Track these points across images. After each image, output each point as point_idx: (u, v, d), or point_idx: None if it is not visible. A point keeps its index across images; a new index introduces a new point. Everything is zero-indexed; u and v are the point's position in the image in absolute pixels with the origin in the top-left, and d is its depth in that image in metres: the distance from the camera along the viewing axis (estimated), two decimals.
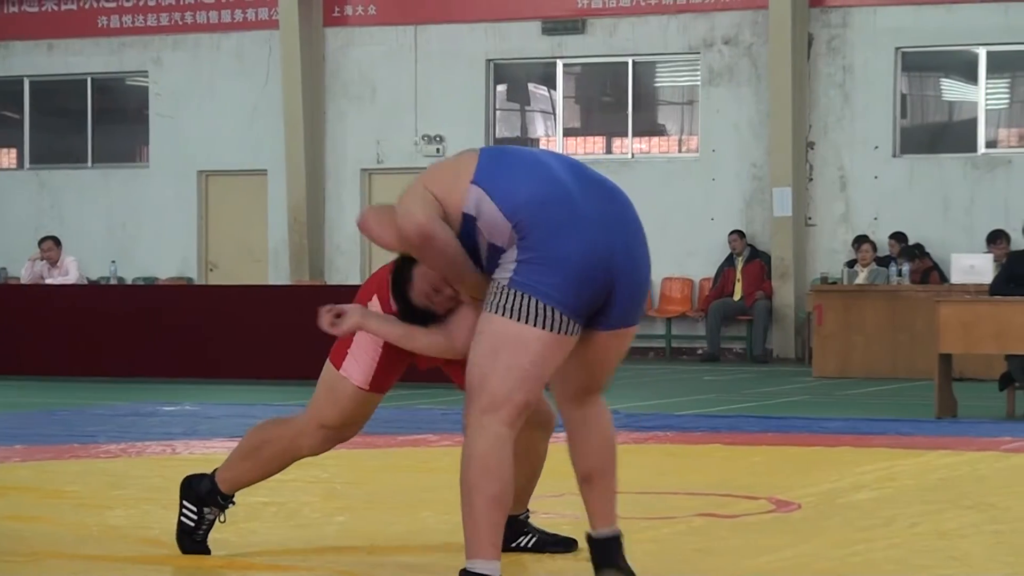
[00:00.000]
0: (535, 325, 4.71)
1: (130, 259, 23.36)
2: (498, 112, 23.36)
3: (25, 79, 24.74)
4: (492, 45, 22.91)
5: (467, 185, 4.81)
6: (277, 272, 23.43)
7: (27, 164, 24.82)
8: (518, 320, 4.71)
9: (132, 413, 12.49)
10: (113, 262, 21.39)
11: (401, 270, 5.38)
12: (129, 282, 22.56)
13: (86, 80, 24.51)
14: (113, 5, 24.11)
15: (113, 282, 20.82)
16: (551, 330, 4.73)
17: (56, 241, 19.19)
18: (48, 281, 18.72)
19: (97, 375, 16.66)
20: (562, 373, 4.97)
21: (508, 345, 4.73)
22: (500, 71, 23.22)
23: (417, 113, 22.92)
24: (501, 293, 4.76)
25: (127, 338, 16.89)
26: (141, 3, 24.04)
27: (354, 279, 23.06)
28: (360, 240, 23.40)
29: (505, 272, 4.76)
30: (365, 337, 5.52)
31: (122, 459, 9.20)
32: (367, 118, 23.19)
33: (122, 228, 24.02)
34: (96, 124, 24.67)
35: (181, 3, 23.94)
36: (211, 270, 24.05)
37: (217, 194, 24.09)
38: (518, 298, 4.72)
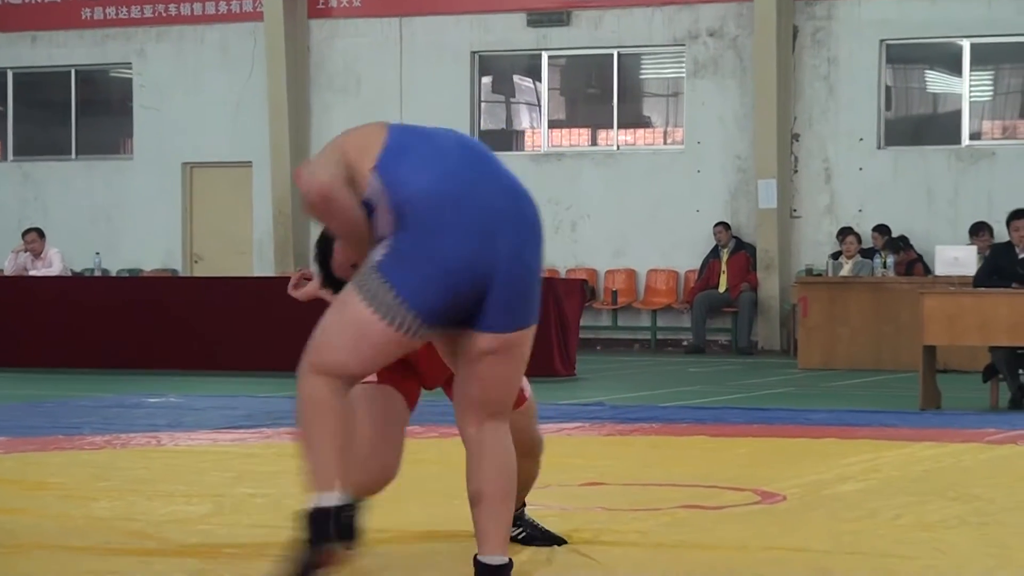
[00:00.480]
0: (383, 318, 4.63)
1: (115, 251, 23.34)
2: (483, 104, 23.36)
3: (8, 71, 24.71)
4: (477, 37, 22.90)
5: (371, 167, 4.74)
6: (262, 264, 23.42)
7: (11, 156, 24.79)
8: (369, 307, 4.64)
9: (117, 405, 12.49)
10: (97, 254, 21.37)
11: (325, 239, 5.35)
12: (114, 274, 22.53)
13: (70, 72, 24.47)
14: None
15: (97, 274, 20.78)
16: (396, 328, 4.63)
17: (40, 233, 19.16)
18: (32, 273, 18.69)
19: (81, 367, 16.65)
20: (458, 388, 4.88)
21: (355, 325, 4.67)
22: (485, 63, 23.22)
23: (402, 105, 22.90)
24: (368, 273, 4.69)
25: (112, 330, 16.87)
26: None
27: None
28: None
29: (376, 254, 4.69)
30: None
31: (107, 451, 9.21)
32: (352, 110, 23.17)
33: (107, 220, 23.99)
34: (80, 116, 24.63)
35: None
36: (196, 262, 24.03)
37: (202, 186, 24.07)
38: (378, 284, 4.65)
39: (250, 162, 23.65)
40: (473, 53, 23.00)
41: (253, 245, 23.67)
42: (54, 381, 15.45)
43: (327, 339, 4.72)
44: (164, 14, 23.95)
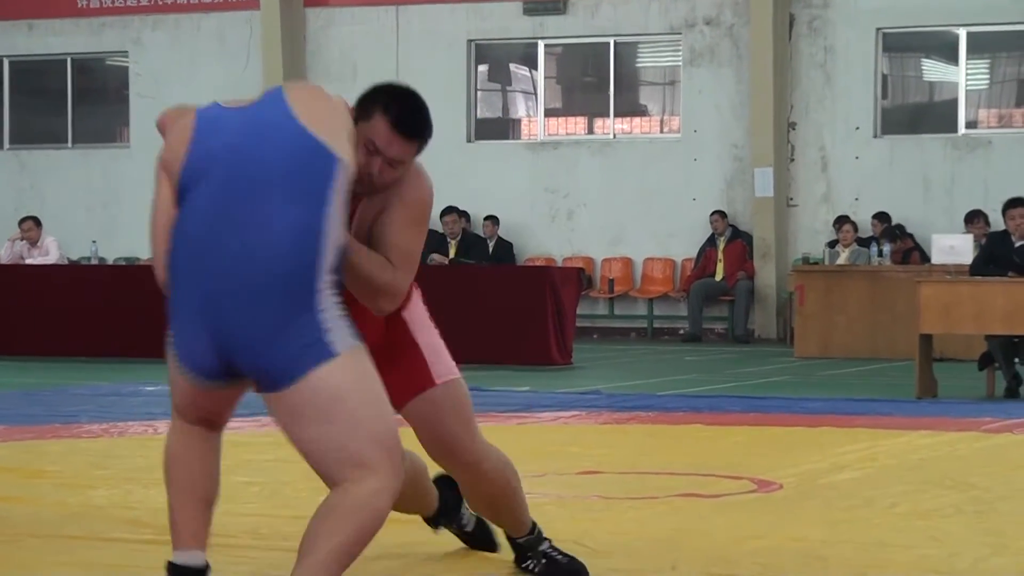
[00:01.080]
0: (177, 366, 4.46)
1: (111, 239, 23.29)
2: (479, 92, 23.34)
3: (4, 59, 24.67)
4: (473, 25, 22.88)
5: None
6: None
7: (7, 145, 24.76)
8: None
9: (114, 393, 12.48)
10: (94, 242, 21.34)
11: None
12: (111, 262, 22.51)
13: (66, 60, 24.44)
14: None
15: (94, 262, 20.77)
16: (186, 376, 4.44)
17: (36, 221, 19.14)
18: (28, 261, 18.68)
19: (78, 355, 16.63)
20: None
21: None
22: (481, 51, 23.19)
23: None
24: None
25: (108, 318, 16.85)
26: None
27: None
28: None
29: None
30: None
31: (104, 439, 9.23)
32: (348, 98, 23.13)
33: (103, 208, 23.96)
34: (76, 104, 24.60)
35: None
36: None
37: None
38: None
39: None
40: (469, 41, 22.98)
41: None
42: (51, 369, 15.44)
43: (172, 380, 4.56)
44: (160, 2, 23.93)
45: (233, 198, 4.28)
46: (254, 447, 8.85)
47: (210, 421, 4.61)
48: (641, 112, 23.13)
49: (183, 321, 4.40)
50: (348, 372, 4.22)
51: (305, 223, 4.23)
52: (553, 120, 23.18)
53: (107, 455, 8.41)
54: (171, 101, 21.97)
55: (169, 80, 23.76)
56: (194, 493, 4.57)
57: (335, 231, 4.26)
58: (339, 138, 4.45)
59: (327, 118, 4.54)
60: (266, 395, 4.30)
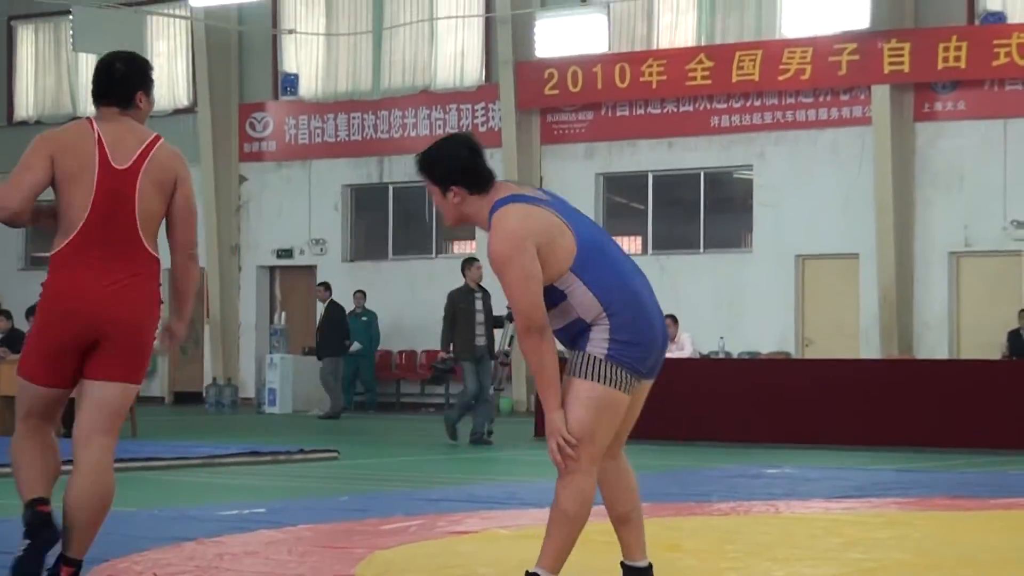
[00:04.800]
0: (623, 390, 5.48)
1: (736, 335, 23.75)
2: None
3: (649, 173, 25.59)
4: None
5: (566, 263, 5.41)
6: (868, 347, 23.33)
7: (650, 250, 25.65)
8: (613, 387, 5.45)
9: (740, 475, 12.73)
10: (721, 338, 21.85)
11: None
12: (735, 356, 22.97)
13: (699, 174, 25.21)
14: (724, 106, 24.73)
15: (721, 356, 21.27)
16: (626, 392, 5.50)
17: (673, 319, 19.71)
18: (666, 355, 19.25)
19: (711, 439, 17.03)
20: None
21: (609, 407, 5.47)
22: None
23: (1006, 202, 22.42)
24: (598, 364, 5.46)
25: (736, 406, 17.25)
26: (748, 104, 24.57)
27: (941, 353, 22.69)
28: (949, 317, 23.03)
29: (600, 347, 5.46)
30: None
31: (732, 516, 9.42)
32: (954, 205, 22.86)
33: (728, 307, 24.48)
34: (708, 213, 25.31)
35: (783, 103, 24.33)
36: (807, 345, 24.19)
37: (813, 276, 24.25)
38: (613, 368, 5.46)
39: (857, 254, 23.67)
40: None
41: (860, 330, 23.62)
42: (686, 453, 15.86)
43: (592, 430, 5.44)
44: (783, 120, 24.38)
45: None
46: (867, 526, 8.89)
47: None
48: None
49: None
50: None
51: None
52: None
53: (735, 532, 8.59)
54: (790, 209, 22.45)
55: (787, 190, 24.13)
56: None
57: None
58: None
59: None
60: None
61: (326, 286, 24.33)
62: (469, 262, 18.00)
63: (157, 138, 6.06)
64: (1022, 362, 19.07)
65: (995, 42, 22.44)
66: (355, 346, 25.11)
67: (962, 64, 22.58)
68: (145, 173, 5.96)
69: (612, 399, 5.44)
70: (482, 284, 17.58)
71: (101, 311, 5.89)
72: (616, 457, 5.70)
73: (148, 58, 6.58)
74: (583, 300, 5.44)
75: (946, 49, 22.64)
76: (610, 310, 5.44)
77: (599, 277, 5.44)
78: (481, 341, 17.49)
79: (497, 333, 17.71)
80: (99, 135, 5.99)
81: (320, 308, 27.66)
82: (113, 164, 5.95)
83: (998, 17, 22.86)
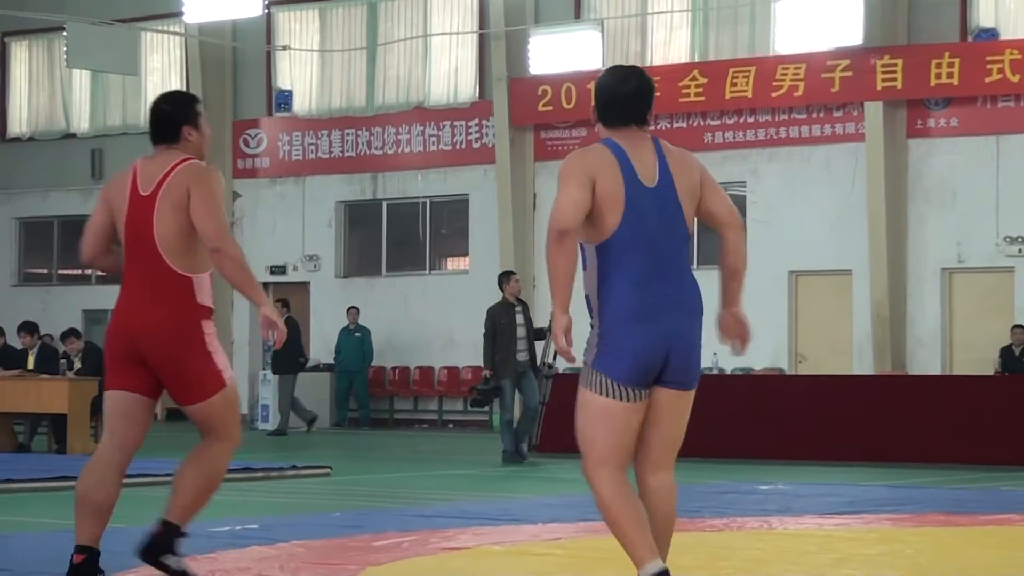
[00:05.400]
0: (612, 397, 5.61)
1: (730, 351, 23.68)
2: None
3: None
4: None
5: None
6: (861, 363, 23.33)
7: None
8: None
9: (733, 491, 12.74)
10: (715, 354, 21.86)
11: None
12: (729, 372, 22.98)
13: None
14: (717, 123, 24.77)
15: (715, 372, 21.27)
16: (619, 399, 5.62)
17: None
18: None
19: (703, 456, 16.94)
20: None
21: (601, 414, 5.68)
22: None
23: (998, 218, 22.46)
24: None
25: (729, 423, 17.24)
26: (742, 120, 24.60)
27: (934, 369, 22.70)
28: (942, 333, 23.05)
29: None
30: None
31: (725, 532, 9.43)
32: (947, 221, 22.89)
33: None
34: (700, 230, 25.22)
35: (776, 120, 24.36)
36: (800, 361, 24.20)
37: (806, 292, 24.26)
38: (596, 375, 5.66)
39: (850, 270, 23.69)
40: None
41: (853, 346, 23.63)
42: (678, 469, 15.81)
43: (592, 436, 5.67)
44: (775, 137, 24.41)
45: None
46: (860, 542, 8.89)
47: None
48: None
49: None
50: None
51: None
52: None
53: (728, 548, 8.61)
54: (783, 225, 22.54)
55: (781, 206, 24.15)
56: (643, 519, 5.66)
57: None
58: None
59: None
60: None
61: (283, 302, 24.17)
62: (506, 276, 17.74)
63: (182, 161, 6.52)
64: (1014, 378, 19.08)
65: (988, 58, 22.48)
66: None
67: (955, 81, 22.62)
68: (162, 197, 6.43)
69: (602, 406, 5.61)
70: (520, 297, 17.40)
71: (129, 328, 6.45)
72: (655, 473, 5.79)
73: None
74: (588, 280, 5.70)
75: (939, 65, 22.68)
76: (599, 314, 5.61)
77: (606, 273, 5.61)
78: (523, 356, 17.19)
79: (538, 346, 17.51)
80: (135, 169, 6.58)
81: (318, 325, 27.73)
82: (140, 192, 6.50)
83: (991, 34, 22.91)
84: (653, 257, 5.61)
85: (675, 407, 5.70)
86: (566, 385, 17.55)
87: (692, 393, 5.76)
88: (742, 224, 5.85)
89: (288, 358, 23.70)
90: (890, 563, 7.81)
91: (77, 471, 6.63)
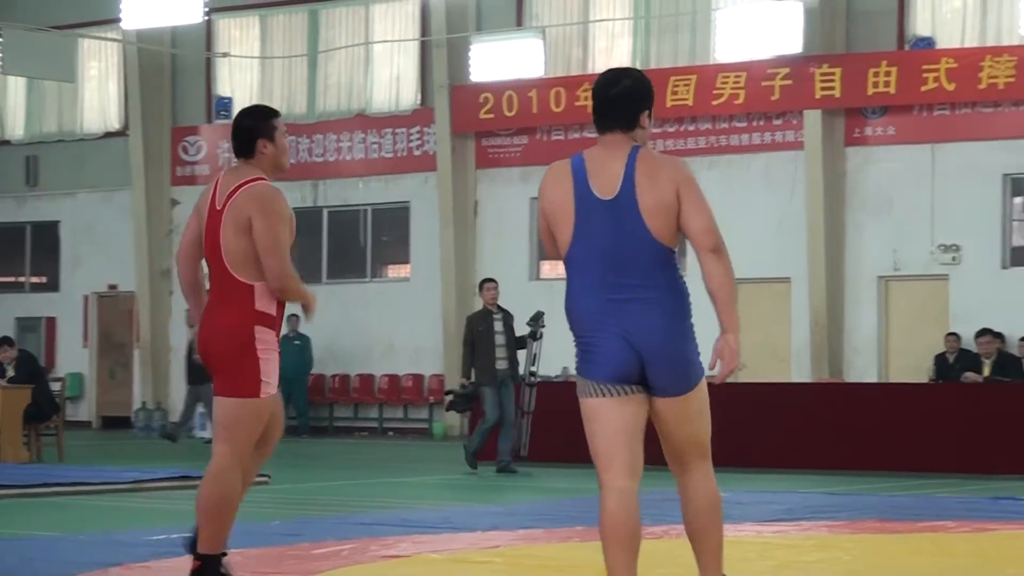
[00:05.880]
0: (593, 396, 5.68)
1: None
2: (1015, 223, 22.76)
3: None
4: (1009, 160, 22.40)
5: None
6: (799, 371, 23.47)
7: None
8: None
9: (672, 498, 12.65)
10: None
11: None
12: None
13: None
14: (658, 131, 24.79)
15: None
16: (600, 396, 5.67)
17: None
18: None
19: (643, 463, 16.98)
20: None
21: (591, 415, 5.81)
22: (1017, 185, 22.66)
23: (933, 225, 22.64)
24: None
25: None
26: (682, 128, 24.70)
27: (870, 377, 22.86)
28: (878, 340, 23.21)
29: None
30: None
31: (664, 540, 9.44)
32: (884, 229, 23.05)
33: None
34: None
35: (717, 128, 24.47)
36: (740, 369, 24.30)
37: (746, 300, 24.34)
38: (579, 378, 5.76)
39: (789, 278, 23.82)
40: (1005, 175, 22.50)
41: (792, 354, 23.76)
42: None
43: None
44: (716, 145, 24.52)
45: None
46: (798, 549, 8.93)
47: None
48: None
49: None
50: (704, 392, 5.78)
51: None
52: None
53: (665, 555, 8.60)
54: (723, 233, 22.34)
55: (721, 214, 24.12)
56: (630, 539, 5.71)
57: None
58: None
59: None
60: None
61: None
62: (482, 284, 17.41)
63: (250, 180, 6.79)
64: (948, 386, 19.23)
65: (924, 67, 22.67)
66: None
67: (892, 89, 22.81)
68: (227, 213, 6.75)
69: (591, 407, 5.65)
70: (501, 305, 16.99)
71: (201, 334, 6.88)
72: (684, 474, 5.91)
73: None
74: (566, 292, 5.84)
75: (876, 74, 22.86)
76: (572, 324, 5.72)
77: (570, 284, 5.72)
78: (502, 364, 16.72)
79: (521, 355, 17.12)
80: (217, 181, 6.91)
81: None
82: (215, 206, 6.84)
83: (927, 42, 23.10)
84: (612, 268, 5.59)
85: (672, 413, 5.73)
86: (551, 394, 17.50)
87: (686, 397, 5.75)
88: (718, 245, 5.72)
89: (200, 369, 23.32)
90: (827, 570, 7.85)
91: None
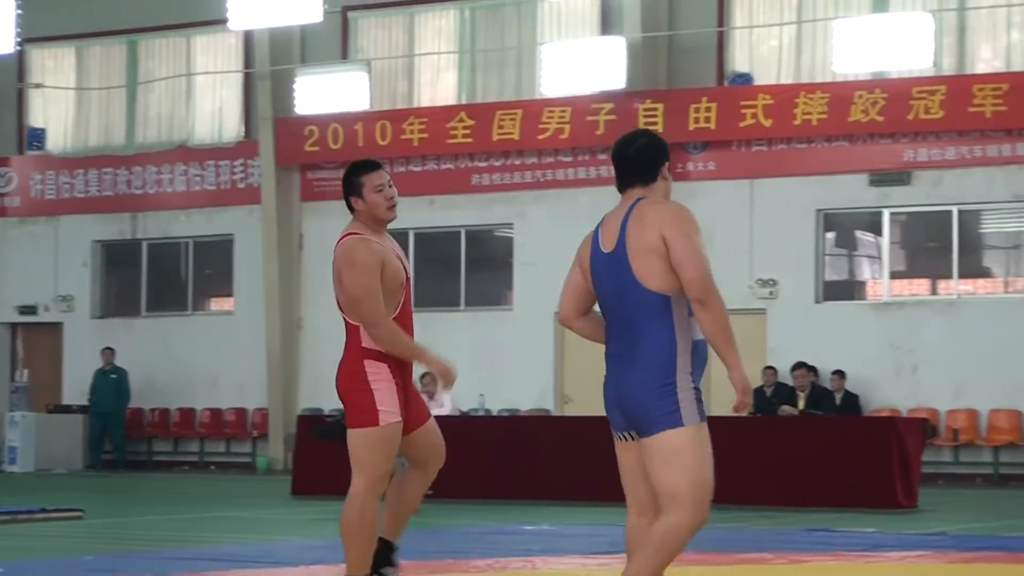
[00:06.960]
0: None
1: (496, 392, 23.79)
2: (827, 257, 23.21)
3: (410, 231, 25.35)
4: (823, 196, 22.84)
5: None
6: None
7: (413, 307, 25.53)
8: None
9: (499, 532, 12.69)
10: (481, 395, 21.87)
11: None
12: (495, 413, 23.02)
13: (460, 232, 25.26)
14: (485, 165, 24.87)
15: (481, 413, 21.26)
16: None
17: (433, 377, 19.66)
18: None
19: (469, 497, 16.96)
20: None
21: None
22: (829, 220, 23.11)
23: (752, 258, 22.97)
24: None
25: (495, 464, 17.23)
26: (509, 163, 24.75)
27: None
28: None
29: None
30: None
31: (489, 573, 9.37)
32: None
33: (489, 364, 24.52)
34: (468, 271, 25.36)
35: (543, 162, 24.57)
36: (566, 403, 24.37)
37: (572, 334, 24.32)
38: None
39: None
40: (818, 211, 22.93)
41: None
42: (444, 510, 15.76)
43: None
44: (542, 179, 24.60)
45: None
46: None
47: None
48: (985, 274, 22.61)
49: None
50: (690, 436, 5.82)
51: None
52: (897, 282, 22.87)
53: None
54: (550, 267, 22.55)
55: (548, 248, 24.32)
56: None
57: None
58: None
59: None
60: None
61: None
62: None
63: (343, 236, 7.21)
64: (766, 419, 19.46)
65: (742, 103, 23.03)
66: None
67: (712, 124, 23.13)
68: (334, 265, 7.24)
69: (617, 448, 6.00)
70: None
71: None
72: (642, 515, 5.99)
73: None
74: None
75: (697, 110, 23.16)
76: None
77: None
78: None
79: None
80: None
81: (72, 366, 27.07)
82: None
83: (745, 79, 23.46)
84: (613, 317, 5.87)
85: (647, 455, 5.82)
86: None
87: (656, 439, 5.76)
88: (703, 296, 5.68)
89: None
90: None
91: None
